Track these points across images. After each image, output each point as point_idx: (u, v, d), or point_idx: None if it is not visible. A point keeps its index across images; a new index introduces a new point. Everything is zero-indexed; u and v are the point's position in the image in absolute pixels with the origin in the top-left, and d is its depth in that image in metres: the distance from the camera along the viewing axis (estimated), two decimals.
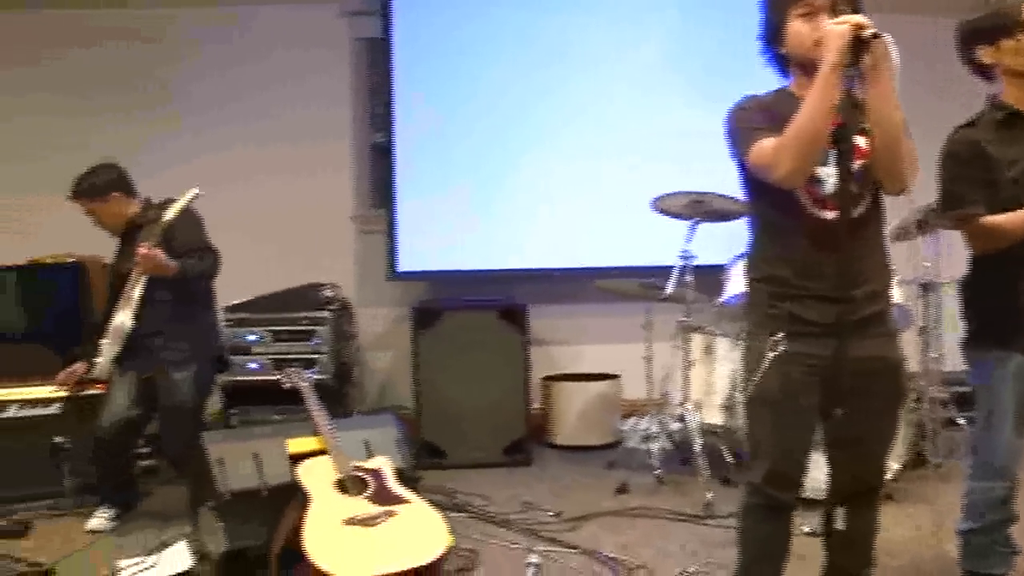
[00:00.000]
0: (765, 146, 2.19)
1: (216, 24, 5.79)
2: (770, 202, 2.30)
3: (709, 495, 3.92)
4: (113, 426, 3.97)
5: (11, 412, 4.34)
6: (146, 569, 3.31)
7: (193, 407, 4.09)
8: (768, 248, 2.36)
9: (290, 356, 4.83)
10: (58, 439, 4.32)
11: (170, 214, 3.89)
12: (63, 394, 4.42)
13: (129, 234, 4.13)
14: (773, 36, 2.33)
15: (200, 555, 3.39)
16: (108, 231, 4.20)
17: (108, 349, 3.99)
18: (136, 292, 3.95)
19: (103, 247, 4.35)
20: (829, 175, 2.22)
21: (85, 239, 4.50)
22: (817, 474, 2.45)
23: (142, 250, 3.79)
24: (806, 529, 3.32)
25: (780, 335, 2.27)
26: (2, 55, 5.80)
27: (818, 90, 2.08)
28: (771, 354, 2.27)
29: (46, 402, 4.39)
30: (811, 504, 3.15)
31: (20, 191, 5.78)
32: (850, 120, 2.12)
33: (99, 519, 3.95)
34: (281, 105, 5.76)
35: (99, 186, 4.11)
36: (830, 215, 2.23)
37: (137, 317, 3.96)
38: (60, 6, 5.74)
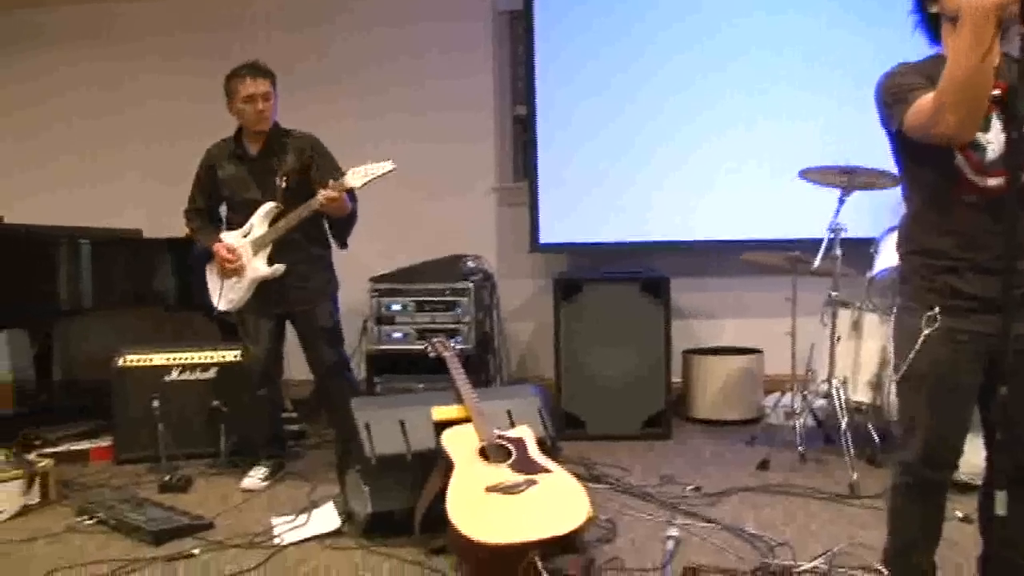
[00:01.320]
0: (923, 103, 2.07)
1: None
2: (928, 170, 2.19)
3: (854, 475, 3.82)
4: (262, 359, 4.13)
5: (173, 376, 4.61)
6: (296, 527, 3.45)
7: (334, 327, 4.22)
8: (925, 219, 2.25)
9: (433, 326, 4.94)
10: (215, 402, 4.56)
11: (360, 181, 3.80)
12: (219, 360, 4.66)
13: (249, 157, 4.12)
14: None
15: (347, 516, 3.52)
16: (256, 126, 4.06)
17: (246, 290, 4.06)
18: (272, 235, 3.99)
19: None
20: (990, 142, 2.11)
21: None
22: (974, 457, 2.35)
23: (332, 193, 3.79)
24: (960, 515, 3.19)
25: (937, 310, 2.18)
26: (177, 40, 6.11)
27: (968, 30, 1.93)
28: (927, 330, 2.18)
29: (203, 367, 4.65)
30: (967, 489, 3.05)
31: (173, 170, 6.08)
32: (1018, 83, 1.99)
33: (252, 479, 4.10)
34: (424, 79, 5.86)
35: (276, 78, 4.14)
36: (992, 182, 2.12)
37: (269, 258, 4.04)
38: None
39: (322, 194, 3.82)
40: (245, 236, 4.07)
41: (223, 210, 4.30)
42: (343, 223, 4.09)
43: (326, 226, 4.20)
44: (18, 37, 6.28)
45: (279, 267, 4.03)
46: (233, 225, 4.16)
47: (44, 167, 6.27)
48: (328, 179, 3.89)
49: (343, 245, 4.22)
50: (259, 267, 4.03)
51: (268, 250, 4.03)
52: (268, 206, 4.03)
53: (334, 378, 4.19)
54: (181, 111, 6.07)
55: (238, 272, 4.06)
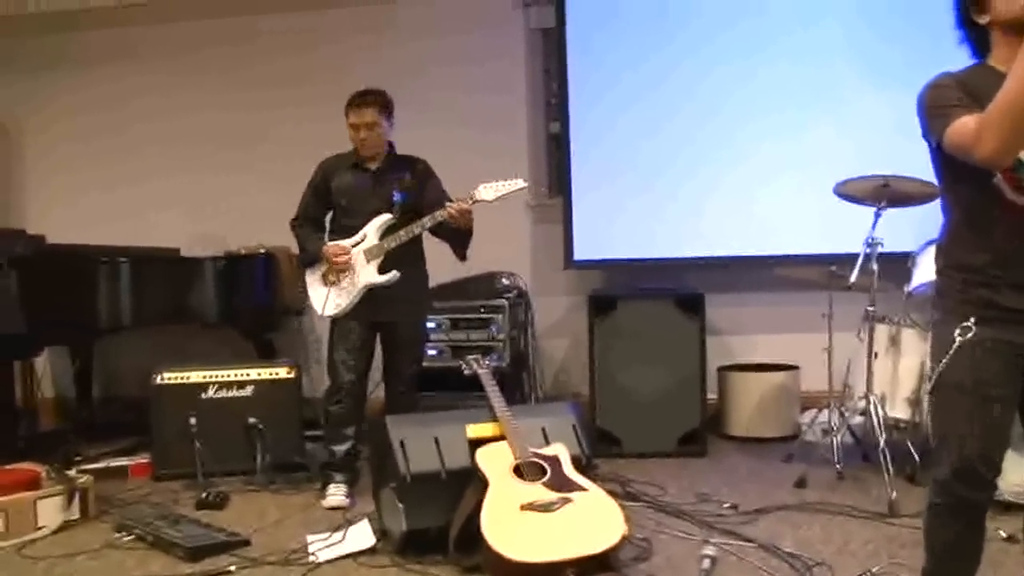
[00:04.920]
0: (965, 123, 2.02)
1: (394, 14, 6.01)
2: (967, 187, 2.15)
3: (893, 493, 3.77)
4: (352, 365, 4.12)
5: (210, 393, 4.64)
6: (332, 545, 3.45)
7: (422, 343, 4.48)
8: (963, 235, 2.21)
9: (468, 344, 4.94)
10: (252, 419, 4.59)
11: (491, 194, 3.98)
12: (255, 377, 4.70)
13: (368, 170, 4.21)
14: (972, 4, 2.17)
15: (382, 533, 3.52)
16: (366, 152, 4.20)
17: (356, 296, 4.08)
18: (391, 243, 4.06)
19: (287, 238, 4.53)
20: None
21: (270, 231, 4.73)
22: (1016, 476, 2.30)
23: (464, 205, 3.94)
24: (1004, 534, 3.13)
25: (972, 320, 2.13)
26: (203, 59, 6.23)
27: None
28: (960, 339, 2.13)
29: (240, 385, 4.69)
30: (1011, 507, 3.00)
31: (214, 184, 6.18)
32: None
33: (337, 496, 4.07)
34: (458, 96, 5.89)
35: (390, 105, 4.24)
36: None
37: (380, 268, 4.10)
38: (239, 13, 6.19)
39: (451, 206, 3.95)
40: (355, 245, 4.12)
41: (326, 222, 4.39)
42: (463, 237, 4.16)
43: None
44: (55, 60, 6.43)
45: (394, 275, 4.08)
46: (344, 231, 4.19)
47: (84, 187, 6.39)
48: (436, 200, 4.12)
49: (463, 257, 4.29)
50: (372, 275, 4.09)
51: (380, 259, 4.10)
52: (383, 218, 4.12)
53: (411, 391, 4.31)
54: (217, 128, 6.20)
55: (347, 274, 4.10)
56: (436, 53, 5.94)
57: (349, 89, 4.26)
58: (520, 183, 4.04)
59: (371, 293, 4.10)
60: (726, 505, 3.88)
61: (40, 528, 3.74)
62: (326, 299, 4.14)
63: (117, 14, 6.26)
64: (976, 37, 2.20)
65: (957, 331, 2.14)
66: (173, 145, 6.29)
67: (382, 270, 4.09)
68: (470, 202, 3.96)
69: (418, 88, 5.90)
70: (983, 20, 2.14)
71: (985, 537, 2.29)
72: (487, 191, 3.98)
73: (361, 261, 4.09)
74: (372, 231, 4.12)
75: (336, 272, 4.13)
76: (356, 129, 4.15)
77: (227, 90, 6.20)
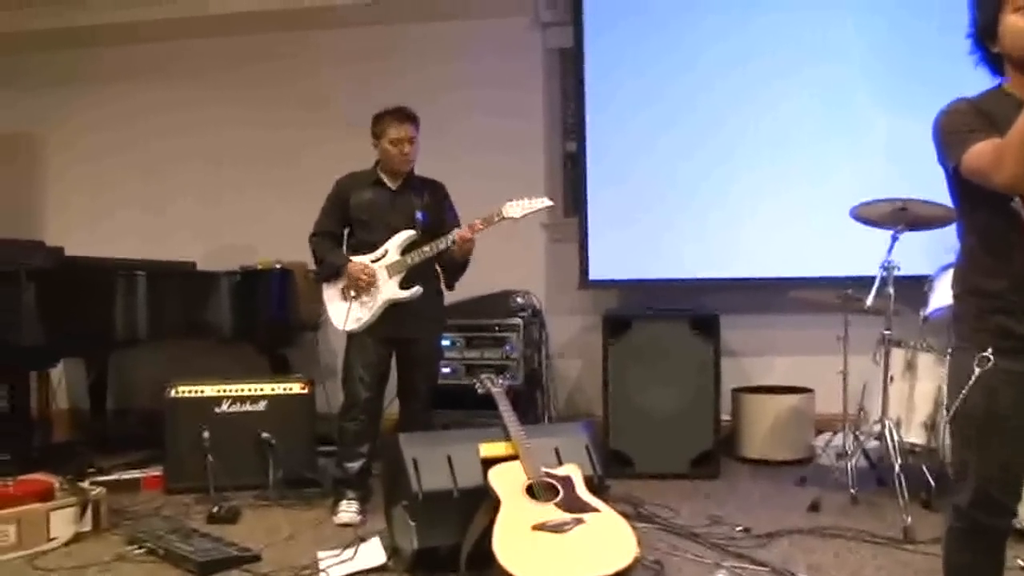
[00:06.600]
0: (983, 148, 2.02)
1: (414, 35, 6.05)
2: (984, 212, 2.15)
3: (908, 518, 3.74)
4: (368, 381, 4.13)
5: (223, 407, 4.65)
6: (343, 561, 3.44)
7: (438, 360, 4.48)
8: (980, 260, 2.20)
9: (482, 362, 4.94)
10: (265, 434, 4.60)
11: (519, 212, 4.02)
12: (269, 392, 4.71)
13: (389, 188, 4.23)
14: (984, 34, 2.18)
15: (393, 551, 3.51)
16: (401, 167, 4.20)
17: (378, 311, 4.09)
18: (415, 259, 4.07)
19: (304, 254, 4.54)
20: None
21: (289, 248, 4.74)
22: None
23: (467, 234, 3.99)
24: (1021, 563, 3.10)
25: (989, 350, 2.12)
26: (239, 75, 6.31)
27: None
28: (978, 370, 2.12)
29: (253, 399, 4.69)
30: None
31: (234, 200, 6.21)
32: None
33: (348, 513, 4.07)
34: (475, 116, 5.91)
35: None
36: None
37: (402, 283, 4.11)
38: (261, 31, 6.24)
39: (459, 231, 4.01)
40: (376, 261, 4.13)
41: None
42: (458, 266, 4.21)
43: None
44: (78, 75, 6.50)
45: (417, 289, 4.10)
46: (363, 247, 4.21)
47: (103, 200, 6.44)
48: (452, 224, 4.18)
49: (451, 287, 4.34)
50: (394, 290, 4.10)
51: (402, 275, 4.10)
52: (407, 234, 4.14)
53: (425, 409, 4.31)
54: (238, 143, 6.25)
55: (368, 291, 4.10)
56: (453, 73, 5.96)
57: (368, 110, 4.28)
58: (546, 201, 4.07)
59: (391, 309, 4.11)
60: (739, 528, 3.85)
61: (52, 539, 3.74)
62: (347, 313, 4.13)
63: (139, 31, 6.31)
64: (991, 59, 2.20)
65: (975, 362, 2.13)
66: (194, 161, 6.33)
67: (403, 286, 4.11)
68: (496, 219, 4.00)
69: (436, 107, 5.90)
70: (995, 49, 2.15)
71: (1005, 564, 2.27)
72: (514, 209, 4.01)
73: (383, 276, 4.11)
74: (394, 247, 4.13)
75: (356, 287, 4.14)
76: (399, 143, 4.14)
77: (248, 108, 6.25)
